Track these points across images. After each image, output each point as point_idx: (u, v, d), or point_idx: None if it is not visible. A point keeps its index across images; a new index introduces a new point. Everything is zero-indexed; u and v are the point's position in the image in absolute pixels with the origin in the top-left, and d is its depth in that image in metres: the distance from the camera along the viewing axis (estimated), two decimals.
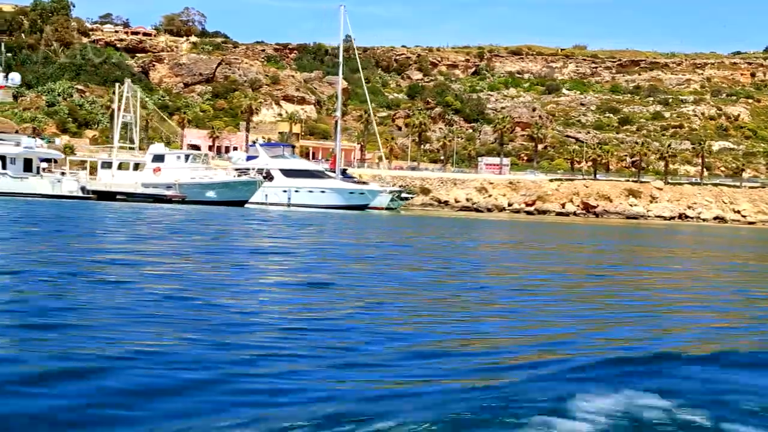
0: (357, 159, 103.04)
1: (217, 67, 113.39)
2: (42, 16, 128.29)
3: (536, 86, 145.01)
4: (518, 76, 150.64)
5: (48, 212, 26.79)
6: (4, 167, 44.29)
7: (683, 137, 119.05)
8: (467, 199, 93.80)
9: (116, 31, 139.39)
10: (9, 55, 54.47)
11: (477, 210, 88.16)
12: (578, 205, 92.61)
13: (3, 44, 54.20)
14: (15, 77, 50.08)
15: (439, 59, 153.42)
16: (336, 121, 70.57)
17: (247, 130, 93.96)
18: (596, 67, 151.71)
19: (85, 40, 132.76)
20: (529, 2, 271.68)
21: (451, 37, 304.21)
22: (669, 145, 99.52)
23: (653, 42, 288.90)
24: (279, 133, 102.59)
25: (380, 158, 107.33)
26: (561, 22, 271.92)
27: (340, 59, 71.75)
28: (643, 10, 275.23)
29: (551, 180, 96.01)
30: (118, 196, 45.02)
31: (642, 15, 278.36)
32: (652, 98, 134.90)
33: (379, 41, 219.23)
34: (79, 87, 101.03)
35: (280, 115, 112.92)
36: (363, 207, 57.81)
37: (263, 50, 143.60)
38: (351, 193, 57.86)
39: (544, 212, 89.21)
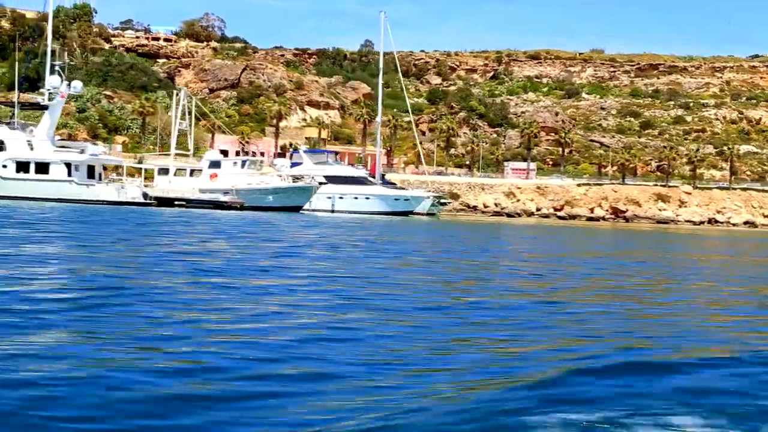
0: (383, 164, 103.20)
1: (241, 73, 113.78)
2: (65, 23, 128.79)
3: (555, 90, 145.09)
4: (536, 80, 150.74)
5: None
6: (69, 174, 44.66)
7: (706, 141, 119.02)
8: (496, 204, 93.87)
9: (137, 37, 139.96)
10: (71, 63, 54.43)
11: (509, 215, 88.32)
12: (607, 210, 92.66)
13: (66, 52, 54.29)
14: (77, 85, 50.28)
15: (458, 63, 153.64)
16: (373, 126, 70.64)
17: (277, 135, 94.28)
18: (615, 71, 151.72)
19: (107, 46, 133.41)
20: (537, 1, 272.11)
21: (456, 37, 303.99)
22: (697, 150, 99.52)
23: (669, 45, 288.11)
24: (306, 138, 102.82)
25: (406, 163, 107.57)
26: (568, 21, 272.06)
27: (380, 65, 71.87)
28: (657, 13, 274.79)
29: (579, 185, 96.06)
30: (176, 203, 45.27)
31: (657, 18, 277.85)
32: (672, 102, 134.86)
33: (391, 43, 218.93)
34: (107, 93, 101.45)
35: (305, 120, 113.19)
36: (407, 213, 57.99)
37: (282, 55, 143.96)
38: (396, 199, 58.05)
39: (574, 217, 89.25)
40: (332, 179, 56.91)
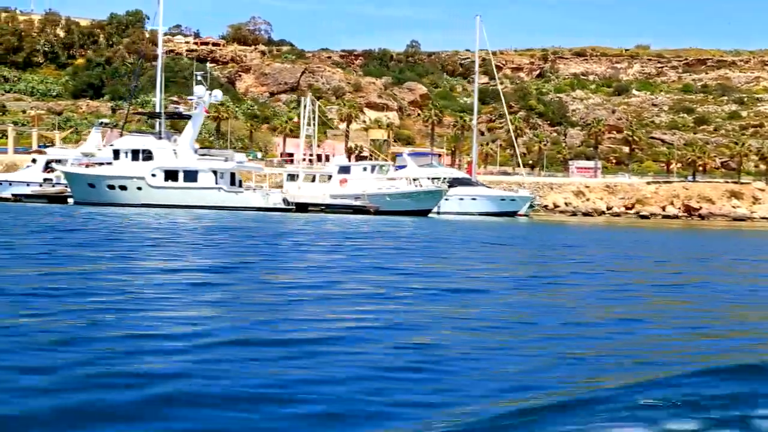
0: (446, 165, 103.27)
1: (300, 76, 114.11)
2: (118, 30, 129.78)
3: (602, 87, 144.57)
4: (583, 77, 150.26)
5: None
6: (215, 182, 45.23)
7: (765, 136, 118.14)
8: (566, 204, 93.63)
9: (187, 42, 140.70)
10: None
11: (585, 214, 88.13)
12: (679, 208, 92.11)
13: (208, 64, 54.72)
14: (218, 94, 50.77)
15: (504, 62, 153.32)
16: (472, 129, 70.56)
17: (347, 138, 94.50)
18: (662, 67, 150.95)
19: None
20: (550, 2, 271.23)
21: (499, 36, 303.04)
22: None
23: (713, 39, 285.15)
24: (371, 140, 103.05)
25: (469, 164, 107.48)
26: (610, 18, 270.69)
27: (476, 68, 71.86)
28: (698, 7, 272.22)
29: (648, 183, 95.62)
30: (310, 208, 45.61)
31: (699, 12, 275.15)
32: (726, 97, 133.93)
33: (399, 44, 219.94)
34: (173, 98, 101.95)
35: (364, 122, 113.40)
36: (513, 214, 57.96)
37: (329, 57, 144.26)
38: (502, 200, 58.05)
39: (648, 216, 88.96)
40: (437, 181, 56.89)
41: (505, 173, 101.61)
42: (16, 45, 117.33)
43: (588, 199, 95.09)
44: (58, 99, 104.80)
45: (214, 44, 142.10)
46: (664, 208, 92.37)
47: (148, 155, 45.32)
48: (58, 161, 50.09)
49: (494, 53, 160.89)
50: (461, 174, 62.10)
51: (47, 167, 51.33)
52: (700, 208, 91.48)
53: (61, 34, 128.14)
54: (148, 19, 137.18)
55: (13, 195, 48.36)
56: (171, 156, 45.60)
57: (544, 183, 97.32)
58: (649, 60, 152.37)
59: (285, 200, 45.68)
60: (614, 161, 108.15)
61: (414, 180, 49.27)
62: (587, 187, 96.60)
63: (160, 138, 47.14)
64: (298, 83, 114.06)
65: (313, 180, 50.86)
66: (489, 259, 15.78)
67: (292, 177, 51.28)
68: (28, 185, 49.97)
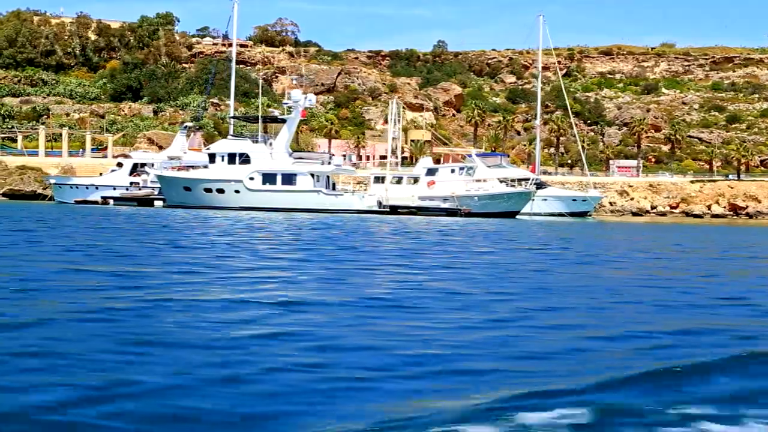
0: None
1: (337, 77, 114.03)
2: (149, 32, 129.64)
3: (630, 86, 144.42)
4: (609, 76, 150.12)
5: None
6: (314, 185, 45.25)
7: None
8: (610, 203, 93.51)
9: (215, 44, 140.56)
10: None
11: (634, 214, 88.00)
12: (724, 207, 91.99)
13: (303, 67, 54.71)
14: (312, 98, 50.66)
15: (530, 62, 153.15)
16: (535, 129, 70.48)
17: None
18: (689, 65, 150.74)
19: (188, 53, 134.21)
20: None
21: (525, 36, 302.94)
22: None
23: (736, 36, 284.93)
24: (411, 140, 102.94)
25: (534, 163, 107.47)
26: (634, 16, 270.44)
27: (539, 69, 71.69)
28: (718, 5, 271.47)
29: (692, 181, 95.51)
30: (399, 210, 45.52)
31: (718, 9, 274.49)
32: (757, 95, 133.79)
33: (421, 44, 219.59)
34: (214, 101, 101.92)
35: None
36: (584, 214, 57.81)
37: (356, 58, 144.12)
38: (574, 200, 57.93)
39: (701, 215, 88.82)
40: (507, 181, 56.74)
41: (546, 173, 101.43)
42: (49, 48, 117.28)
43: (632, 199, 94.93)
44: (98, 102, 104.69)
45: (241, 45, 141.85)
46: (709, 207, 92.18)
47: (245, 159, 45.23)
48: (143, 165, 50.14)
49: (521, 53, 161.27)
50: (534, 175, 62.00)
51: (134, 171, 51.32)
52: (747, 206, 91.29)
53: (92, 36, 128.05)
54: (179, 21, 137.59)
55: (102, 198, 48.37)
56: (268, 159, 45.52)
57: (587, 182, 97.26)
58: (676, 58, 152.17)
59: (379, 203, 45.61)
60: (653, 160, 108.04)
61: (484, 181, 49.12)
62: (630, 186, 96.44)
63: (257, 141, 47.03)
64: (335, 84, 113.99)
65: (399, 182, 50.79)
66: None
67: (378, 179, 51.16)
68: (114, 189, 49.96)
